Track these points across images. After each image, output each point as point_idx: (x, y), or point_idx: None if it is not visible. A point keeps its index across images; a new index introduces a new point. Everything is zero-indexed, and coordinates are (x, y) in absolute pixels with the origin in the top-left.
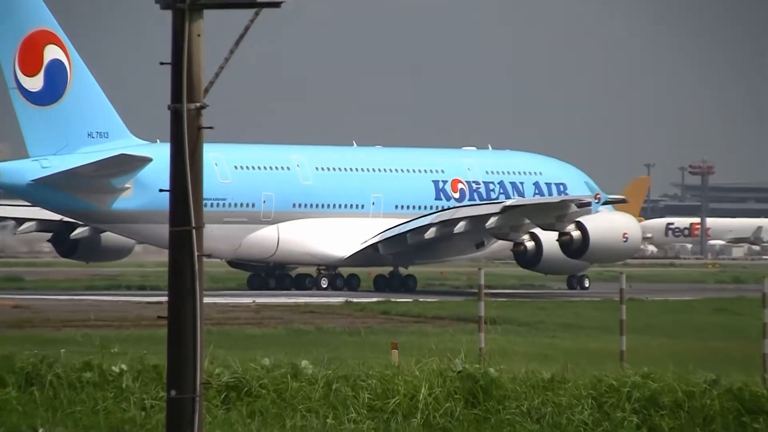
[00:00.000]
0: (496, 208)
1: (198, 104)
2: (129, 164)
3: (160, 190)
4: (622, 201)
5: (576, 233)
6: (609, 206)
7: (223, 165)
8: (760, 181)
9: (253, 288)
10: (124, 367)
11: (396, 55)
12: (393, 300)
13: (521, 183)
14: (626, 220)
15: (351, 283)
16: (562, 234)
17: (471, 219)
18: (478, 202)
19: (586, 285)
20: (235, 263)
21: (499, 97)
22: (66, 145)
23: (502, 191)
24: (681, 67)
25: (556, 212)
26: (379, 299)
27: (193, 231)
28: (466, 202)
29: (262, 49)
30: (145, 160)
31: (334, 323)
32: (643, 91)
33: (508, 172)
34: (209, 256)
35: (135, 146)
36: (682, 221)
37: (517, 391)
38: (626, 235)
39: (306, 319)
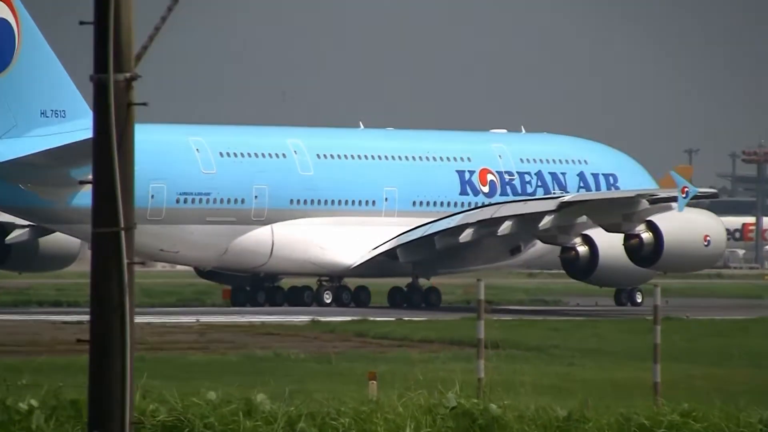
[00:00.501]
0: (552, 205)
1: (128, 74)
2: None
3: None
4: (714, 196)
5: (647, 236)
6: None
7: (206, 151)
8: None
9: (237, 304)
10: (34, 403)
11: (410, 20)
12: (370, 319)
13: (563, 173)
14: (708, 220)
15: (359, 298)
16: (630, 237)
17: (519, 218)
18: (515, 197)
19: (639, 300)
20: (210, 273)
21: (530, 73)
22: (14, 126)
23: (540, 184)
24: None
25: (624, 210)
26: (354, 318)
27: (122, 233)
28: (497, 197)
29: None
30: None
31: (298, 348)
32: (685, 61)
33: (547, 161)
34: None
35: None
36: (732, 221)
37: None
38: (708, 239)
39: (263, 342)
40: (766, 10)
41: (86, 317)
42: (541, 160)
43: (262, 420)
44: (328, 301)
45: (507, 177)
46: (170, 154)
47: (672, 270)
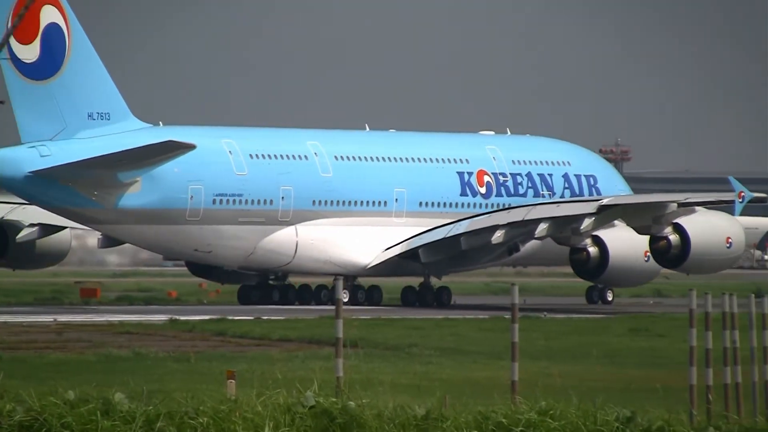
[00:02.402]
0: (592, 208)
1: None
2: (173, 152)
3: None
4: (763, 200)
5: (674, 237)
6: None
7: (238, 154)
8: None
9: (246, 302)
10: None
11: (399, 28)
12: (230, 318)
13: (550, 175)
14: (729, 222)
15: (373, 296)
16: (657, 239)
17: (556, 220)
18: (509, 198)
19: (609, 299)
20: (203, 271)
21: (510, 74)
22: (64, 128)
23: (530, 185)
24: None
25: (654, 213)
26: (213, 317)
27: None
28: (493, 198)
29: (253, 22)
30: (189, 147)
31: (157, 347)
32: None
33: (535, 162)
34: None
35: (138, 130)
36: None
37: (383, 431)
38: (730, 241)
39: (121, 341)
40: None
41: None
42: (530, 162)
43: (120, 419)
44: (345, 299)
45: (501, 178)
46: (206, 156)
47: (696, 271)
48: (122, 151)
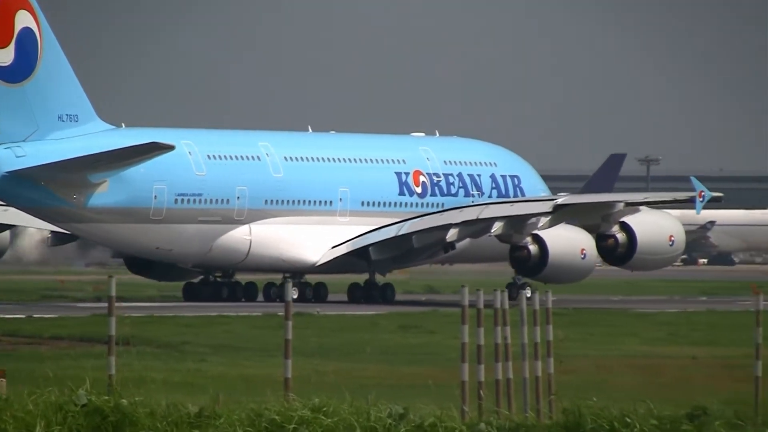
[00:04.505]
0: (547, 207)
1: None
2: (155, 153)
3: None
4: (719, 200)
5: (621, 236)
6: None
7: (197, 154)
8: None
9: (192, 299)
10: None
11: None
12: (0, 317)
13: (479, 175)
14: (671, 221)
15: (319, 293)
16: (605, 237)
17: (511, 219)
18: (443, 197)
19: (528, 295)
20: (141, 268)
21: (438, 76)
22: (36, 130)
23: (461, 184)
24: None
25: (604, 212)
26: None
27: None
28: (428, 198)
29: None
30: (170, 148)
31: None
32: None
33: (465, 163)
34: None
35: (104, 131)
36: None
37: (156, 429)
38: (672, 239)
39: None
40: None
41: None
42: (459, 162)
43: None
44: (295, 297)
45: (435, 178)
46: (168, 157)
47: (640, 268)
48: (107, 151)
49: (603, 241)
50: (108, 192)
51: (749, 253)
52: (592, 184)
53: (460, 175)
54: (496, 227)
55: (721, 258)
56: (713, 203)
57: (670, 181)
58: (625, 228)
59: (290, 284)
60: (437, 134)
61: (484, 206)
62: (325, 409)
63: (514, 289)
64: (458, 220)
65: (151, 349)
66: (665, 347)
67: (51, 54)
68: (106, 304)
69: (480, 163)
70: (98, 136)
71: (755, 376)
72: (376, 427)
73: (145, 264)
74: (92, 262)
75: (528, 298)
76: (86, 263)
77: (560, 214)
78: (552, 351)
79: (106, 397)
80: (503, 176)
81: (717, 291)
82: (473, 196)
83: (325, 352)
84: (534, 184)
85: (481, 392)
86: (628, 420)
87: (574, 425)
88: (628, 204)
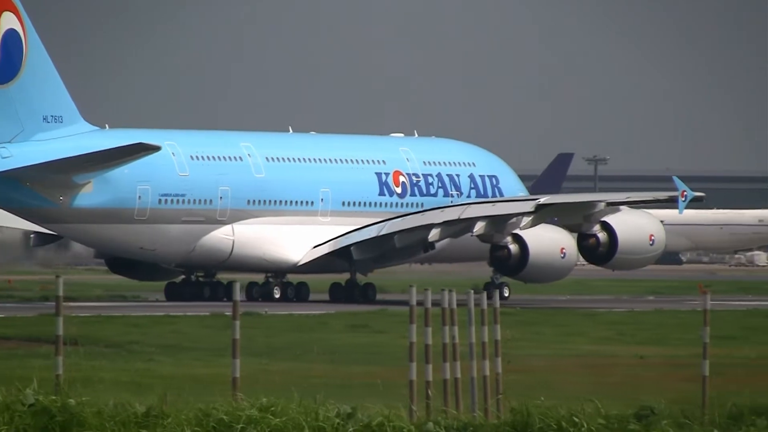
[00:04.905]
0: (529, 206)
1: None
2: (140, 154)
3: None
4: (700, 199)
5: (603, 236)
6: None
7: (180, 155)
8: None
9: (174, 299)
10: None
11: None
12: None
13: (457, 175)
14: (651, 220)
15: (301, 293)
16: (586, 237)
17: (493, 219)
18: (422, 197)
19: (506, 294)
20: (121, 268)
21: (412, 76)
22: (22, 131)
23: (440, 185)
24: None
25: (585, 211)
26: None
27: None
28: (407, 198)
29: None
30: (156, 149)
31: None
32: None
33: (444, 163)
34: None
35: (88, 132)
36: None
37: (104, 428)
38: (653, 238)
39: None
40: None
41: None
42: (438, 163)
43: None
44: (277, 296)
45: (414, 179)
46: (152, 157)
47: (621, 268)
48: (94, 152)
49: (584, 241)
50: (93, 193)
51: (696, 253)
52: (540, 184)
53: (439, 175)
54: (478, 227)
55: (669, 257)
56: (694, 202)
57: (618, 181)
58: (607, 227)
59: (237, 285)
60: (416, 135)
61: (465, 206)
62: (273, 408)
63: (492, 289)
64: (440, 220)
65: (99, 348)
66: (613, 347)
67: (36, 56)
68: (53, 304)
69: (459, 163)
70: (83, 137)
71: (702, 376)
72: (325, 426)
73: (127, 264)
74: (72, 262)
75: (505, 298)
76: (66, 263)
77: (542, 214)
78: (500, 350)
79: (54, 397)
80: (482, 176)
81: (665, 290)
82: (452, 196)
83: (273, 352)
84: (512, 184)
85: (429, 392)
86: (576, 419)
87: (522, 425)
88: (609, 204)
